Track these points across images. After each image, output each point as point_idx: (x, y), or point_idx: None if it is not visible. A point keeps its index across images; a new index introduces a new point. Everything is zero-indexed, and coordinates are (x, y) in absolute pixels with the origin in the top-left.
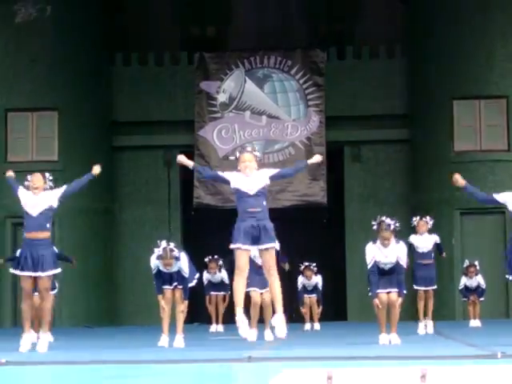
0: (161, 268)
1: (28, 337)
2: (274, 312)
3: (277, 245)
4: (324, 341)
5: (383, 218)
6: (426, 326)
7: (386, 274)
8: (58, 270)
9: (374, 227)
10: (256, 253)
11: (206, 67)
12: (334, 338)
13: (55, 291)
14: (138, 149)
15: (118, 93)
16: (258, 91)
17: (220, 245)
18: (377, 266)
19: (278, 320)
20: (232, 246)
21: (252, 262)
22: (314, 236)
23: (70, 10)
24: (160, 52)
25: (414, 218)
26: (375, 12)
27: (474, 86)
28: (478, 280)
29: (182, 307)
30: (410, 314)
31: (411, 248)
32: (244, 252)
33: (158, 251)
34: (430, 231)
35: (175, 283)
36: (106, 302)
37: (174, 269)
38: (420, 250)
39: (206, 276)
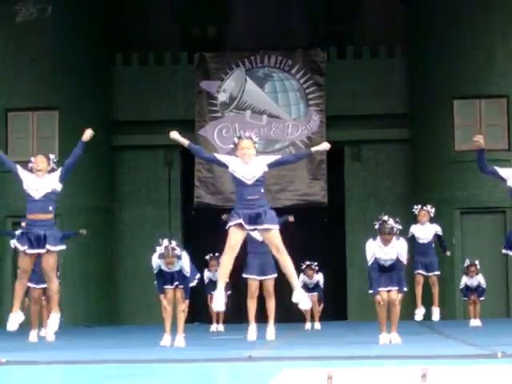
0: (162, 267)
1: (15, 316)
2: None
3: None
4: (324, 340)
5: (385, 219)
6: (424, 315)
7: (386, 271)
8: (63, 247)
9: (376, 226)
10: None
11: (206, 67)
12: (335, 337)
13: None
14: (138, 148)
15: (118, 92)
16: (259, 91)
17: (221, 248)
18: (377, 263)
19: (299, 294)
20: (229, 225)
21: (252, 243)
22: (315, 236)
23: (71, 9)
24: (160, 52)
25: (416, 207)
26: (375, 11)
27: (475, 85)
28: (479, 279)
29: (183, 307)
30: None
31: (412, 239)
32: (238, 230)
33: (159, 249)
34: (431, 221)
35: (176, 283)
36: (106, 302)
37: (176, 268)
38: (421, 241)
39: (206, 274)
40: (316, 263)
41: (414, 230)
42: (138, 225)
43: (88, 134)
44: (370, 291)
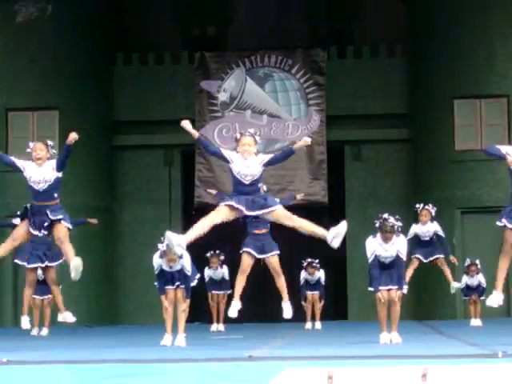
0: (163, 267)
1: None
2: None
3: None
4: (325, 340)
5: (386, 216)
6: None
7: (386, 268)
8: (70, 226)
9: (377, 225)
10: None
11: (206, 66)
12: (335, 337)
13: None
14: (138, 148)
15: (118, 92)
16: (259, 90)
17: (221, 245)
18: (377, 260)
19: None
20: (223, 203)
21: (251, 225)
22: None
23: (71, 9)
24: (161, 52)
25: (418, 205)
26: (376, 11)
27: (475, 85)
28: (479, 279)
29: (184, 306)
30: (410, 313)
31: (413, 239)
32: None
33: (161, 247)
34: (432, 219)
35: (177, 283)
36: (107, 301)
37: (177, 267)
38: (422, 238)
39: (207, 272)
40: (317, 260)
41: (416, 229)
42: (138, 224)
43: (72, 136)
44: (371, 289)
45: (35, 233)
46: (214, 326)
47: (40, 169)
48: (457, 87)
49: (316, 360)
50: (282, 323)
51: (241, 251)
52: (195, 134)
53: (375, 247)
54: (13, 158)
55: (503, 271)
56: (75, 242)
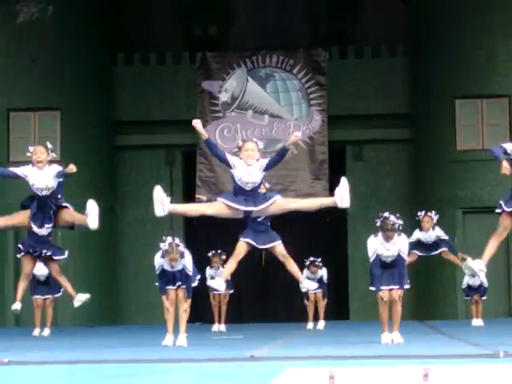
0: (165, 267)
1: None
2: None
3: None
4: (326, 340)
5: (387, 215)
6: None
7: (387, 267)
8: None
9: (377, 224)
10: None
11: (208, 67)
12: (336, 337)
13: (60, 293)
14: (140, 148)
15: (120, 92)
16: (260, 90)
17: (222, 245)
18: (379, 259)
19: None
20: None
21: (253, 223)
22: (317, 235)
23: (72, 9)
24: (162, 52)
25: (420, 213)
26: (377, 11)
27: (476, 85)
28: (481, 279)
29: (185, 306)
30: (412, 313)
31: (416, 243)
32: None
33: (163, 246)
34: (434, 226)
35: (179, 283)
36: (108, 301)
37: (179, 267)
38: (425, 242)
39: (208, 272)
40: (320, 259)
41: (419, 235)
42: (139, 224)
43: (70, 168)
44: (372, 288)
45: (35, 228)
46: (216, 326)
47: (41, 173)
48: (458, 87)
49: (317, 360)
50: (284, 323)
51: (239, 240)
52: (205, 134)
53: (377, 246)
54: (13, 170)
55: (491, 250)
56: (76, 242)
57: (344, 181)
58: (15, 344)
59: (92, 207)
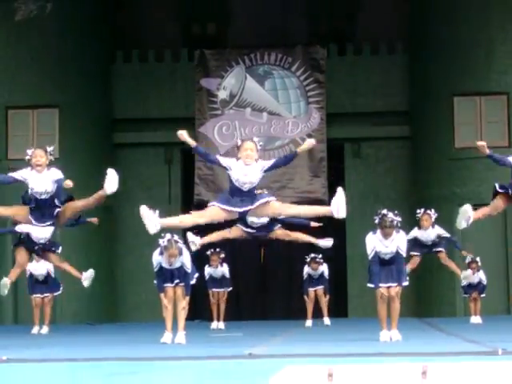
0: (163, 265)
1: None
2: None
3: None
4: (325, 337)
5: (385, 212)
6: None
7: (386, 264)
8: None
9: (376, 221)
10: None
11: (206, 64)
12: (335, 334)
13: (59, 292)
14: (138, 146)
15: (118, 90)
16: (259, 88)
17: (221, 243)
18: (377, 256)
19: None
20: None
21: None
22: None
23: (70, 7)
24: (160, 49)
25: (418, 211)
26: (376, 8)
27: (475, 82)
28: (480, 276)
29: (184, 304)
30: (411, 310)
31: (414, 241)
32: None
33: (162, 242)
34: (433, 224)
35: (177, 281)
36: (107, 299)
37: (177, 264)
38: (424, 243)
39: (207, 270)
40: (320, 255)
41: (417, 233)
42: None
43: (68, 184)
44: (370, 285)
45: (36, 224)
46: (214, 324)
47: (40, 177)
48: (456, 84)
49: (316, 357)
50: (282, 321)
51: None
52: (192, 143)
53: (375, 243)
54: (12, 175)
55: (484, 211)
56: (75, 240)
57: (340, 191)
58: (14, 342)
59: (112, 174)
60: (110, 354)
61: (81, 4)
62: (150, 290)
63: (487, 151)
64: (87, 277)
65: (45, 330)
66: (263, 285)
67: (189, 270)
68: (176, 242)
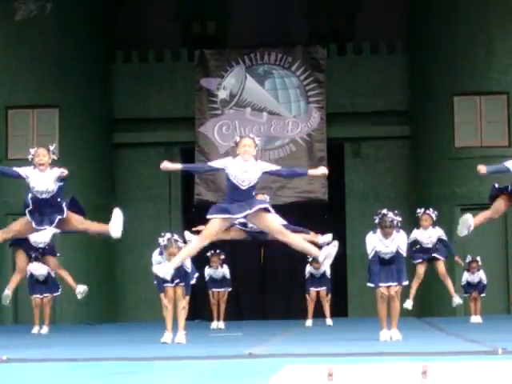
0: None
1: None
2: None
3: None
4: (325, 337)
5: (385, 212)
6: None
7: (386, 264)
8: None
9: (376, 221)
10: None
11: (206, 64)
12: (335, 334)
13: (59, 292)
14: (138, 146)
15: (118, 90)
16: (259, 88)
17: (221, 244)
18: (377, 256)
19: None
20: (213, 215)
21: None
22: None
23: (70, 7)
24: (160, 49)
25: (419, 210)
26: (375, 8)
27: (475, 82)
28: (480, 276)
29: (184, 303)
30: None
31: (414, 243)
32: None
33: (162, 241)
34: (434, 224)
35: (177, 280)
36: (107, 299)
37: None
38: (424, 246)
39: (207, 271)
40: None
41: (417, 234)
42: (138, 222)
43: (63, 172)
44: (370, 284)
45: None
46: (214, 324)
47: (43, 176)
48: (456, 84)
49: (316, 357)
50: (282, 320)
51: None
52: (178, 166)
53: (375, 243)
54: (16, 169)
55: (485, 215)
56: (75, 240)
57: (335, 244)
58: (14, 342)
59: (117, 215)
60: (110, 354)
61: (81, 4)
62: (150, 290)
63: (485, 171)
64: (80, 291)
65: (45, 330)
66: (263, 285)
67: (189, 270)
68: (176, 241)
